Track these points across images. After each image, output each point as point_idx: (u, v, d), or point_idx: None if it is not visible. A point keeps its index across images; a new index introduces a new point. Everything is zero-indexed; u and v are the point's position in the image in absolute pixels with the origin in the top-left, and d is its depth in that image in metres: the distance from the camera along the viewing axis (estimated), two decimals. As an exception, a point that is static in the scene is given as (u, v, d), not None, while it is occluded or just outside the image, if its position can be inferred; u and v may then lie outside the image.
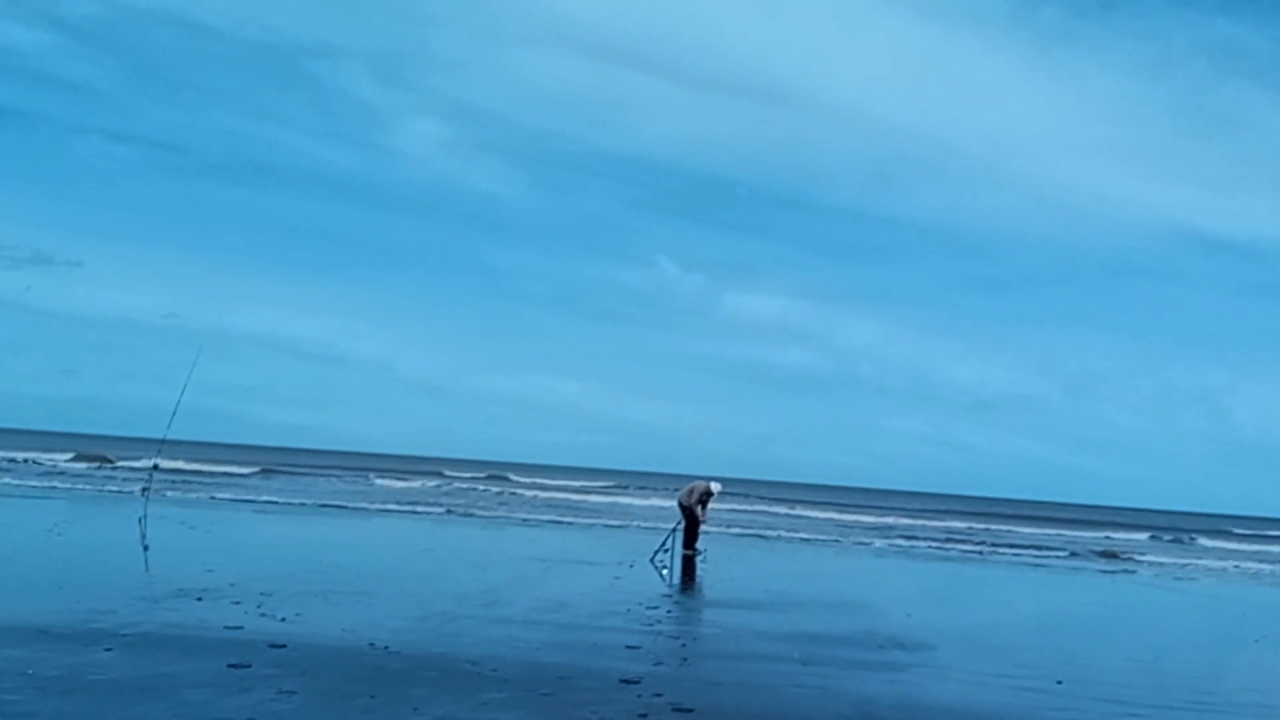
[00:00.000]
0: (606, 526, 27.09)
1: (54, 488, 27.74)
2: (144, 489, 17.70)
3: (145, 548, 14.10)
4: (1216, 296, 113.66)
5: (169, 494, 25.70)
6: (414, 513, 28.04)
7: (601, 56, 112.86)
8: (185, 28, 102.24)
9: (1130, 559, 29.83)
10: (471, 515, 28.55)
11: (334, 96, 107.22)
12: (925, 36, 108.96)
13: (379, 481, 44.98)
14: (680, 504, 18.49)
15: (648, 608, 11.77)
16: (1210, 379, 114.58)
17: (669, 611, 12.03)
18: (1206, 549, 39.91)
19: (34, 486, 27.56)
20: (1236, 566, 30.44)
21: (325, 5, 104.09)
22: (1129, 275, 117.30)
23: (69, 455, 44.85)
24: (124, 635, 8.08)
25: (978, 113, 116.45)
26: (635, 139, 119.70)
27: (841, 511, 45.65)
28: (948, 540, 32.49)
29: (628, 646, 9.07)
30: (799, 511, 43.49)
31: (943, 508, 59.07)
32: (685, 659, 8.82)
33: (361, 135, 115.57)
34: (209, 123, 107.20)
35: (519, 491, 44.77)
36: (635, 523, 28.10)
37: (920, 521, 43.30)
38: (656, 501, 38.50)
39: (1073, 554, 30.29)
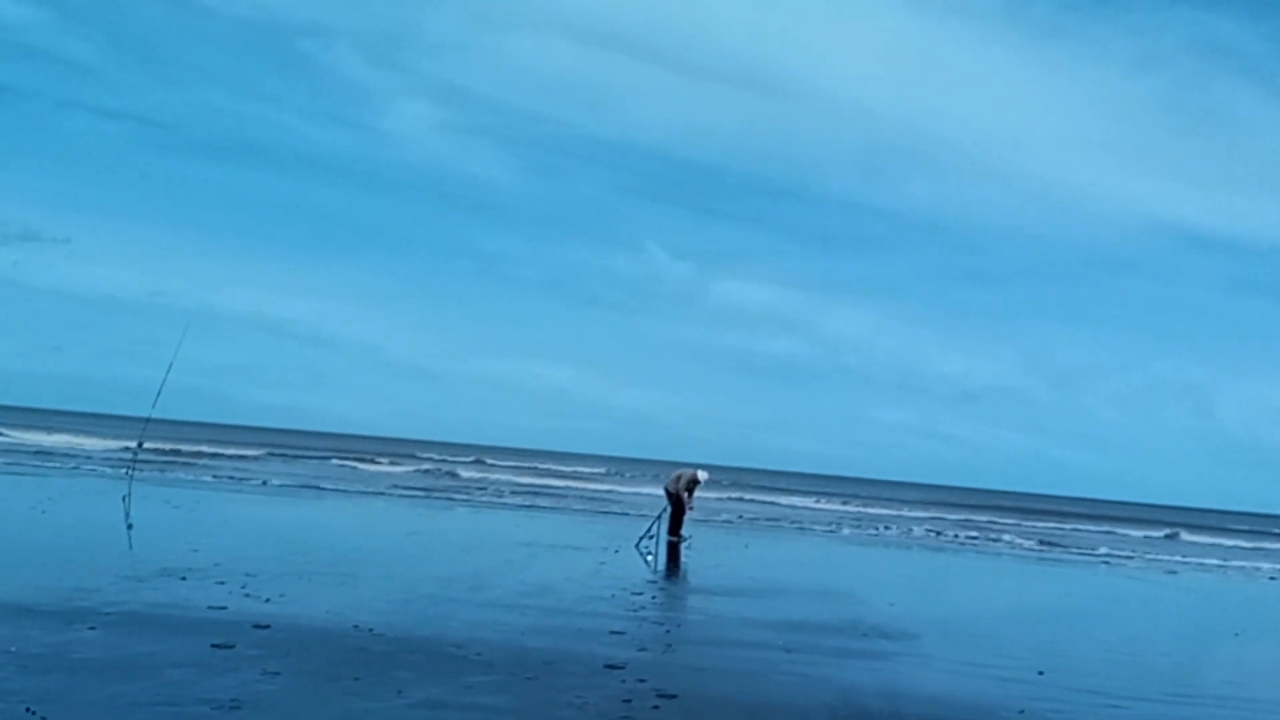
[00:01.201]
0: (593, 512, 27.13)
1: (37, 465, 27.60)
2: (128, 468, 17.63)
3: (129, 526, 14.05)
4: (1203, 292, 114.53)
5: (154, 473, 25.58)
6: (400, 495, 28.00)
7: (595, 42, 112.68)
8: (175, 4, 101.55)
9: (1113, 552, 30.02)
10: (457, 499, 28.53)
11: (325, 76, 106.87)
12: (917, 29, 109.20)
13: (365, 463, 44.89)
14: (667, 491, 18.52)
15: (633, 593, 11.80)
16: (1196, 374, 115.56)
17: (654, 598, 12.06)
18: (1189, 543, 40.22)
19: (17, 464, 27.40)
20: (1219, 561, 30.68)
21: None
22: (1116, 270, 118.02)
23: (55, 433, 44.62)
24: (108, 614, 8.05)
25: (969, 105, 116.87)
26: (627, 125, 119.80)
27: (827, 500, 45.85)
28: (932, 531, 32.65)
29: (612, 632, 9.09)
30: (784, 500, 43.63)
31: (928, 498, 59.32)
32: (670, 645, 8.84)
33: (352, 116, 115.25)
34: (198, 100, 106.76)
35: (505, 475, 44.75)
36: (621, 509, 28.13)
37: (905, 511, 43.47)
38: (643, 488, 38.55)
39: (1055, 546, 30.48)
